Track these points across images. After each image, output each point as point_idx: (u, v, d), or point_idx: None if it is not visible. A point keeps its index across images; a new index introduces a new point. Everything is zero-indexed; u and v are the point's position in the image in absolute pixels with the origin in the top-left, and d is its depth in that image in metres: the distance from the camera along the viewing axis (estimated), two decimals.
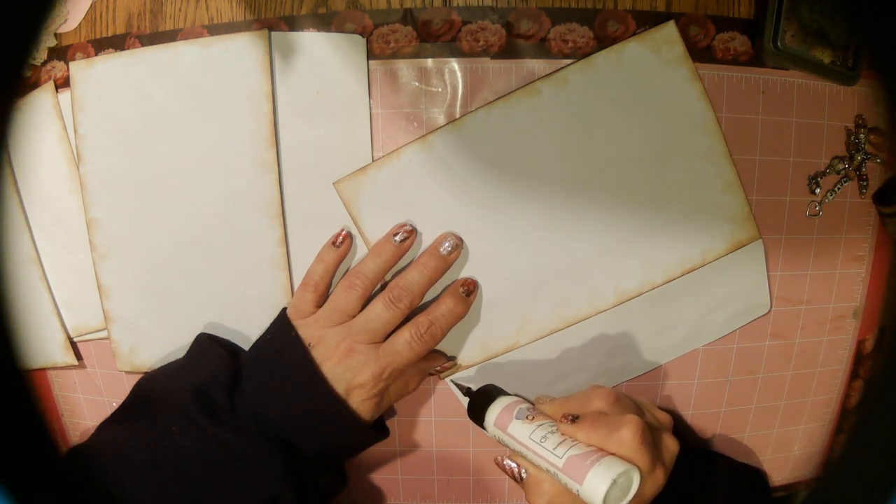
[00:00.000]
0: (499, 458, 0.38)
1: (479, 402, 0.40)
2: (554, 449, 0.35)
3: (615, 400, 0.37)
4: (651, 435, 0.35)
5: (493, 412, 0.39)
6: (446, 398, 0.47)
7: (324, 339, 0.40)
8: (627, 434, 0.34)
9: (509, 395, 0.41)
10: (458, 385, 0.43)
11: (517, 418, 0.37)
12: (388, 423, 0.47)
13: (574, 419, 0.35)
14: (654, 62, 0.42)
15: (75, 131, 0.44)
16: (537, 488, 0.36)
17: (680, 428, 0.47)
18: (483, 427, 0.40)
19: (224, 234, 0.44)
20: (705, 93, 0.42)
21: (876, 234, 0.48)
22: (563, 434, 0.36)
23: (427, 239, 0.43)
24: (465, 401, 0.42)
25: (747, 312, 0.47)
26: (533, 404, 0.40)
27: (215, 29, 0.43)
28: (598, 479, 0.32)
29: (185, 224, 0.44)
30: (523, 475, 0.37)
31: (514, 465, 0.38)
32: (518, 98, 0.42)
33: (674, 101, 0.42)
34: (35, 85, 0.45)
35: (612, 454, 0.34)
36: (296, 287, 0.44)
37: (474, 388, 0.42)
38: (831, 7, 0.42)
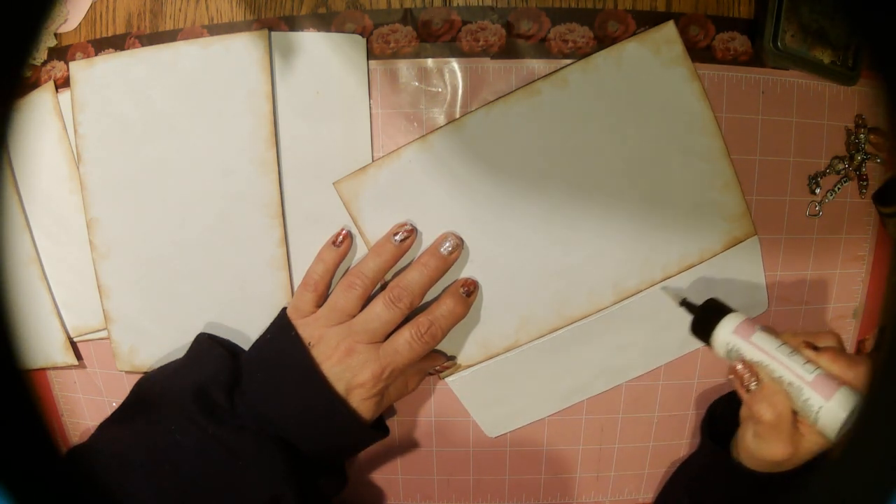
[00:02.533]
0: (735, 363, 0.38)
1: (713, 311, 0.40)
2: (804, 364, 0.35)
3: (841, 341, 0.37)
4: None
5: (734, 321, 0.39)
6: (446, 398, 0.47)
7: (324, 339, 0.40)
8: (866, 370, 0.34)
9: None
10: (677, 298, 0.43)
11: (762, 331, 0.38)
12: (388, 422, 0.47)
13: (815, 348, 0.36)
14: (653, 62, 0.42)
15: (75, 131, 0.44)
16: (769, 399, 0.36)
17: None
18: (709, 336, 0.40)
19: (224, 234, 0.44)
20: (704, 92, 0.42)
21: (876, 234, 0.48)
22: (805, 356, 0.36)
23: (427, 239, 0.43)
24: (674, 310, 0.42)
25: (746, 312, 0.47)
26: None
27: (215, 29, 0.43)
28: (845, 399, 0.33)
29: (185, 224, 0.44)
30: (752, 386, 0.37)
31: (747, 372, 0.37)
32: (518, 98, 0.42)
33: (673, 101, 0.42)
34: (35, 85, 0.45)
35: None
36: (296, 287, 0.44)
37: (691, 301, 0.42)
38: (831, 7, 0.42)
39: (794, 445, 0.36)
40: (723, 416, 0.45)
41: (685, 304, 0.42)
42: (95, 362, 0.49)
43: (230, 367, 0.41)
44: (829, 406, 0.34)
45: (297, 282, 0.44)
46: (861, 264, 0.48)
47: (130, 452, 0.38)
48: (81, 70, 0.43)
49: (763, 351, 0.37)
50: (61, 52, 0.45)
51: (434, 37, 0.42)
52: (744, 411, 0.39)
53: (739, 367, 0.38)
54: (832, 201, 0.46)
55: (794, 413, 0.36)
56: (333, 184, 0.43)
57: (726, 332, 0.39)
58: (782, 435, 0.36)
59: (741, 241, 0.45)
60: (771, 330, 0.38)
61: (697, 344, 0.47)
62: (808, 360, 0.36)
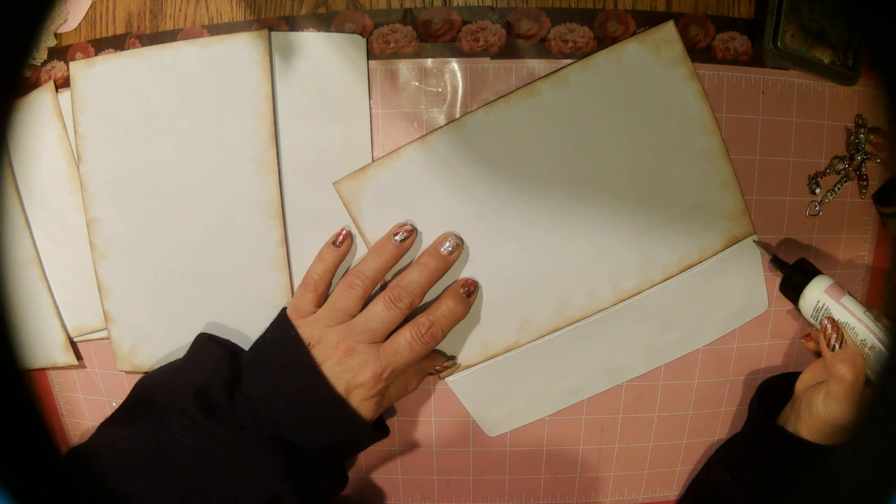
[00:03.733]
0: (824, 321, 0.40)
1: (805, 271, 0.42)
2: (885, 331, 0.38)
3: None
4: None
5: (824, 282, 0.41)
6: (446, 398, 0.47)
7: (324, 339, 0.40)
8: None
9: None
10: (768, 253, 0.45)
11: (850, 295, 0.40)
12: (388, 422, 0.47)
13: (893, 319, 0.38)
14: (653, 62, 0.42)
15: (75, 131, 0.44)
16: (851, 360, 0.38)
17: None
18: (799, 294, 0.42)
19: (224, 234, 0.44)
20: (704, 92, 0.42)
21: (876, 234, 0.48)
22: (884, 324, 0.39)
23: (427, 239, 0.43)
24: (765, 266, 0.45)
25: (745, 312, 0.47)
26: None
27: (215, 29, 0.43)
28: None
29: (185, 224, 0.44)
30: (837, 346, 0.39)
31: (835, 332, 0.39)
32: (518, 98, 0.42)
33: (672, 101, 0.42)
34: (35, 85, 0.45)
35: None
36: (296, 287, 0.44)
37: (781, 259, 0.44)
38: (831, 7, 0.42)
39: (861, 411, 0.37)
40: (773, 393, 0.46)
41: (776, 260, 0.44)
42: (95, 362, 0.49)
43: (230, 367, 0.41)
44: None
45: (297, 282, 0.44)
46: (861, 264, 0.48)
47: (131, 452, 0.38)
48: (81, 70, 0.43)
49: (852, 313, 0.39)
50: (61, 52, 0.45)
51: (434, 37, 0.42)
52: (814, 377, 0.41)
53: (829, 326, 0.40)
54: (832, 201, 0.46)
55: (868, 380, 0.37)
56: (333, 184, 0.43)
57: (818, 291, 0.41)
58: (855, 397, 0.37)
59: (740, 241, 0.45)
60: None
61: (697, 345, 0.47)
62: (889, 328, 0.38)
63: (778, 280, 0.47)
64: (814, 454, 0.39)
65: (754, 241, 0.45)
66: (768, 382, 0.47)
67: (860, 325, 0.39)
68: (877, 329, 0.38)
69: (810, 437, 0.39)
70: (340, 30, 0.42)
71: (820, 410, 0.39)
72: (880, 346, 0.37)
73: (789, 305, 0.47)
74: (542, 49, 0.42)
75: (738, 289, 0.46)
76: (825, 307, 0.41)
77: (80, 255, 0.46)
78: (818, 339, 0.41)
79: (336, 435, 0.41)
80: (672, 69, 0.42)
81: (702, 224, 0.44)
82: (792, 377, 0.44)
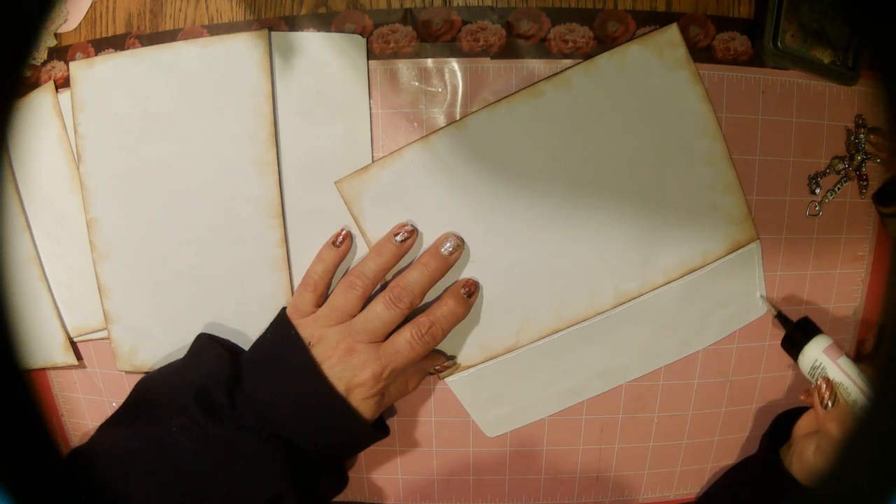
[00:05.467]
0: (819, 379, 0.42)
1: (806, 330, 0.44)
2: None
3: None
4: None
5: (823, 342, 0.43)
6: (446, 398, 0.47)
7: (324, 338, 0.40)
8: None
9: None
10: (774, 310, 0.46)
11: (847, 356, 0.42)
12: (388, 422, 0.47)
13: None
14: (656, 64, 0.42)
15: (75, 131, 0.44)
16: (842, 419, 0.40)
17: None
18: (799, 351, 0.44)
19: (224, 234, 0.44)
20: (707, 95, 0.42)
21: (876, 234, 0.48)
22: None
23: (428, 239, 0.43)
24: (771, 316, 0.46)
25: (745, 314, 0.47)
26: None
27: (215, 29, 0.43)
28: None
29: (185, 224, 0.44)
30: (830, 404, 0.41)
31: (829, 391, 0.41)
32: (521, 99, 0.42)
33: (675, 104, 0.42)
34: (35, 85, 0.45)
35: None
36: (296, 287, 0.44)
37: (786, 315, 0.45)
38: (831, 7, 0.42)
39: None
40: (784, 429, 0.47)
41: (780, 317, 0.45)
42: (95, 362, 0.49)
43: (230, 367, 0.41)
44: None
45: (297, 282, 0.44)
46: (861, 264, 0.48)
47: (131, 453, 0.38)
48: (81, 70, 0.43)
49: (846, 374, 0.42)
50: (61, 52, 0.45)
51: (434, 37, 0.42)
52: (810, 426, 0.43)
53: (823, 385, 0.42)
54: (832, 201, 0.46)
55: None
56: (335, 183, 0.43)
57: (816, 351, 0.43)
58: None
59: (744, 245, 0.45)
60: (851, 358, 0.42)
61: (697, 346, 0.47)
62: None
63: (779, 279, 0.47)
64: (805, 497, 0.40)
65: (760, 295, 0.46)
66: (784, 415, 0.48)
67: (853, 386, 0.41)
68: (869, 391, 0.39)
69: (804, 480, 0.40)
70: (340, 30, 0.42)
71: (810, 461, 0.40)
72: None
73: (790, 305, 0.47)
74: (542, 49, 0.42)
75: (738, 292, 0.46)
76: (822, 366, 0.42)
77: (80, 255, 0.46)
78: (814, 395, 0.42)
79: (336, 434, 0.41)
80: (675, 72, 0.42)
81: (704, 227, 0.44)
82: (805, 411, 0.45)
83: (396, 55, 0.42)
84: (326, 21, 0.42)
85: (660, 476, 0.50)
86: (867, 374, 0.41)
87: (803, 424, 0.44)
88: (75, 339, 0.48)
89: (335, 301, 0.41)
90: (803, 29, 0.42)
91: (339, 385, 0.40)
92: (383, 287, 0.42)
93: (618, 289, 0.45)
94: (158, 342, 0.46)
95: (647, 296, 0.45)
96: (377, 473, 0.49)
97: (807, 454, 0.40)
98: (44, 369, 0.50)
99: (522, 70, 0.42)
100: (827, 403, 0.41)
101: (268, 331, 0.43)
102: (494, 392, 0.47)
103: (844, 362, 0.42)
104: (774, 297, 0.47)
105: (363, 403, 0.40)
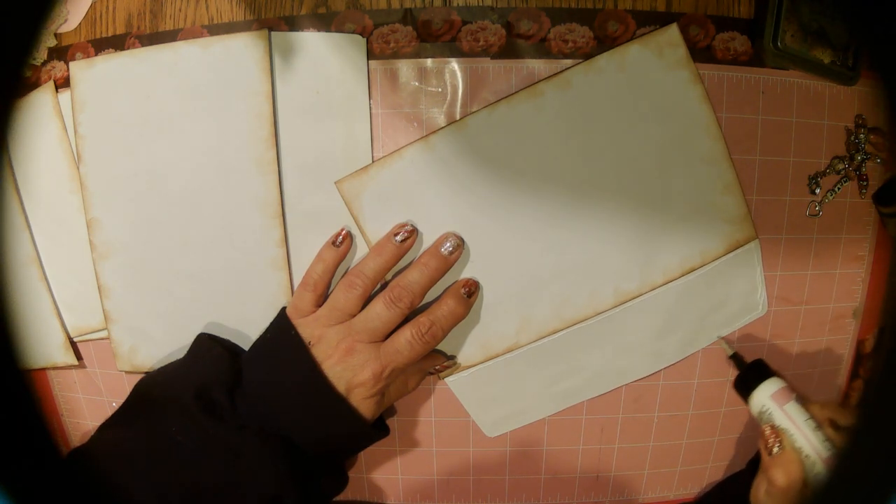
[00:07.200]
0: (764, 425, 0.42)
1: (756, 372, 0.44)
2: (823, 441, 0.39)
3: None
4: None
5: (772, 386, 0.42)
6: (446, 398, 0.47)
7: (324, 338, 0.40)
8: None
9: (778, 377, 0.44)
10: (730, 350, 0.46)
11: (796, 401, 0.41)
12: (388, 422, 0.47)
13: (837, 427, 0.39)
14: (656, 65, 0.42)
15: (75, 131, 0.44)
16: (786, 466, 0.39)
17: None
18: (748, 394, 0.43)
19: (224, 234, 0.44)
20: (707, 96, 0.42)
21: (876, 234, 0.48)
22: (826, 434, 0.40)
23: (428, 239, 0.43)
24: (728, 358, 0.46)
25: (744, 314, 0.47)
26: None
27: (215, 29, 0.43)
28: None
29: (185, 224, 0.44)
30: (775, 450, 0.40)
31: (773, 437, 0.41)
32: (521, 99, 0.42)
33: (676, 104, 0.42)
34: (35, 85, 0.45)
35: None
36: (296, 287, 0.44)
37: (741, 356, 0.45)
38: (831, 7, 0.42)
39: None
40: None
41: (735, 357, 0.45)
42: (95, 362, 0.49)
43: (230, 367, 0.41)
44: None
45: (297, 282, 0.44)
46: (861, 264, 0.48)
47: (132, 453, 0.38)
48: (81, 70, 0.43)
49: (792, 421, 0.41)
50: (61, 52, 0.45)
51: (434, 37, 0.42)
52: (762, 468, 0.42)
53: (767, 430, 0.41)
54: (832, 201, 0.46)
55: (805, 483, 0.38)
56: (335, 183, 0.43)
57: (764, 396, 0.42)
58: (790, 500, 0.38)
59: (743, 245, 0.45)
60: (804, 400, 0.41)
61: (697, 347, 0.47)
62: (828, 439, 0.39)
63: (779, 279, 0.47)
64: None
65: (718, 337, 0.47)
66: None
67: (798, 434, 0.40)
68: (814, 438, 0.39)
69: None
70: (340, 30, 0.42)
71: (762, 500, 0.40)
72: (816, 456, 0.39)
73: (790, 305, 0.47)
74: (542, 49, 0.42)
75: (738, 291, 0.46)
76: (769, 411, 0.42)
77: (80, 255, 0.46)
78: (759, 441, 0.42)
79: (336, 434, 0.41)
80: (675, 72, 0.42)
81: (704, 227, 0.44)
82: None
83: (396, 55, 0.42)
84: (326, 21, 0.42)
85: (660, 476, 0.50)
86: (818, 419, 0.40)
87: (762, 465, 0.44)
88: (75, 339, 0.48)
89: (335, 301, 0.41)
90: (803, 29, 0.42)
91: (339, 385, 0.40)
92: (383, 287, 0.42)
93: (618, 289, 0.45)
94: (158, 342, 0.46)
95: (646, 295, 0.45)
96: (377, 473, 0.49)
97: (759, 493, 0.41)
98: (44, 369, 0.50)
99: (522, 70, 0.42)
100: (771, 450, 0.40)
101: (268, 331, 0.43)
102: (494, 392, 0.47)
103: (792, 408, 0.41)
104: (774, 297, 0.47)
105: (363, 403, 0.40)
